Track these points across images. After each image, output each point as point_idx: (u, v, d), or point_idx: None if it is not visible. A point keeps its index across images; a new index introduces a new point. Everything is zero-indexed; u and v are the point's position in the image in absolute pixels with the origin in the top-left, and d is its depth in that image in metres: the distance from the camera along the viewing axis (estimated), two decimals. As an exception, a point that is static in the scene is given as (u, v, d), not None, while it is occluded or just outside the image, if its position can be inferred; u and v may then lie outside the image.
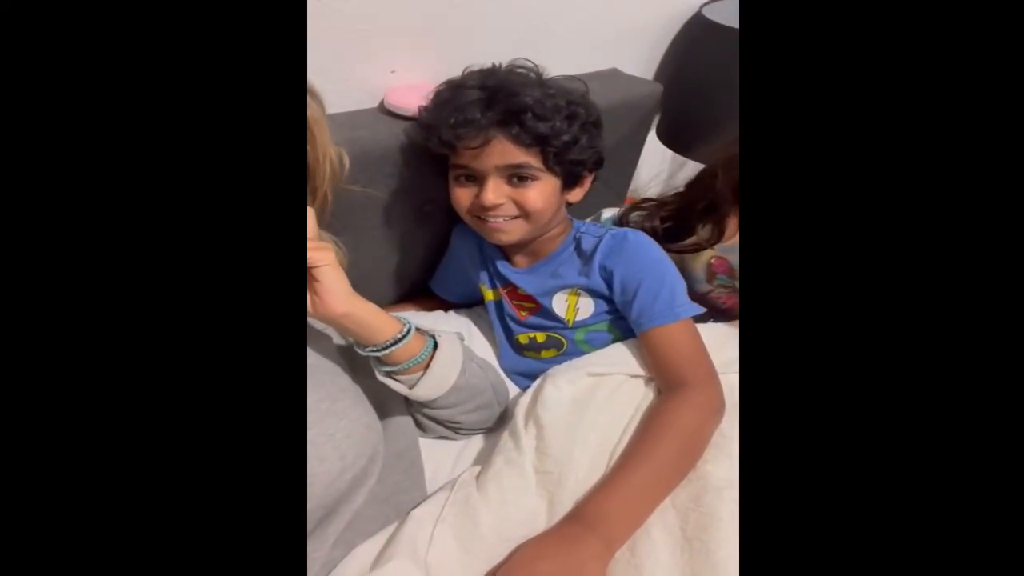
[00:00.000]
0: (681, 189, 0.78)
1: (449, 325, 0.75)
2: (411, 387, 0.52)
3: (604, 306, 0.65)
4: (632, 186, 1.10)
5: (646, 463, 0.47)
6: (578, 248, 0.67)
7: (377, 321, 0.49)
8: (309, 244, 0.43)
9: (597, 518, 0.44)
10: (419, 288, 0.84)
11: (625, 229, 0.66)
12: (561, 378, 0.57)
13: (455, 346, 0.54)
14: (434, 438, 0.60)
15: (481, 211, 0.61)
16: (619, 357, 0.60)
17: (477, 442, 0.61)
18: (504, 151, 0.57)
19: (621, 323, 0.64)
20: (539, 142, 0.58)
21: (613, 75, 0.93)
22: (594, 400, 0.54)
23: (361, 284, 0.74)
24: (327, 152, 0.50)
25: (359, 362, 0.54)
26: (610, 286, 0.63)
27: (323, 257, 0.44)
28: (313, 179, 0.51)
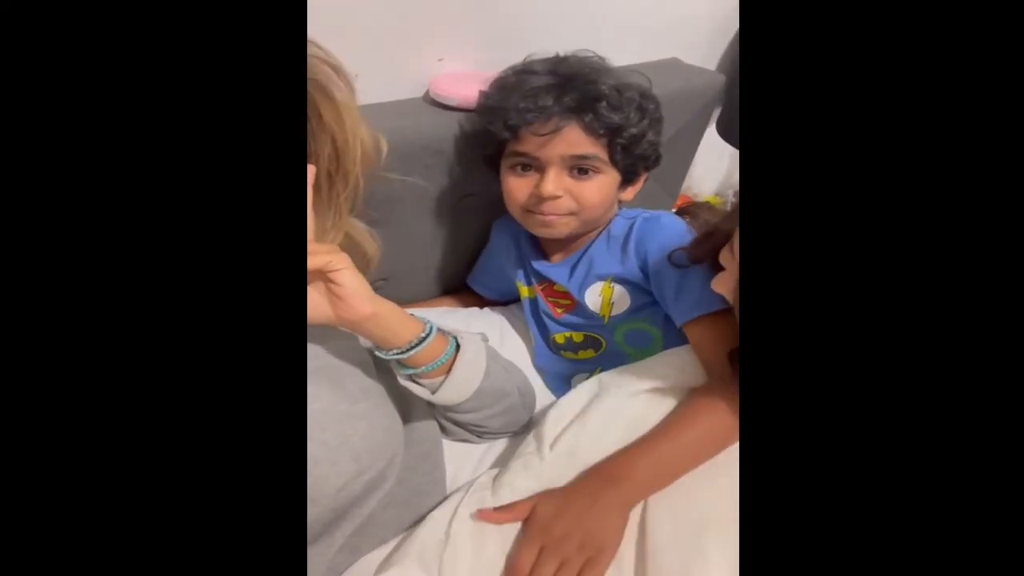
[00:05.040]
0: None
1: (483, 322, 0.74)
2: (433, 392, 0.49)
3: (641, 299, 0.61)
4: (686, 183, 1.05)
5: (678, 436, 0.46)
6: (609, 234, 0.63)
7: (399, 322, 0.46)
8: (322, 248, 0.41)
9: (620, 475, 0.44)
10: (459, 283, 0.82)
11: (660, 212, 0.63)
12: (608, 403, 0.51)
13: (478, 348, 0.52)
14: (457, 440, 0.58)
15: (537, 204, 0.58)
16: (676, 368, 0.54)
17: (500, 445, 0.58)
18: (573, 140, 0.56)
19: (661, 319, 0.60)
20: (610, 133, 0.56)
21: (672, 65, 0.88)
22: (644, 423, 0.50)
23: (398, 277, 0.74)
24: (357, 134, 0.48)
25: (383, 361, 0.53)
26: (646, 273, 0.59)
27: (340, 260, 0.41)
28: (344, 162, 0.49)
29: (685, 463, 0.45)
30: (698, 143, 0.94)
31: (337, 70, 0.45)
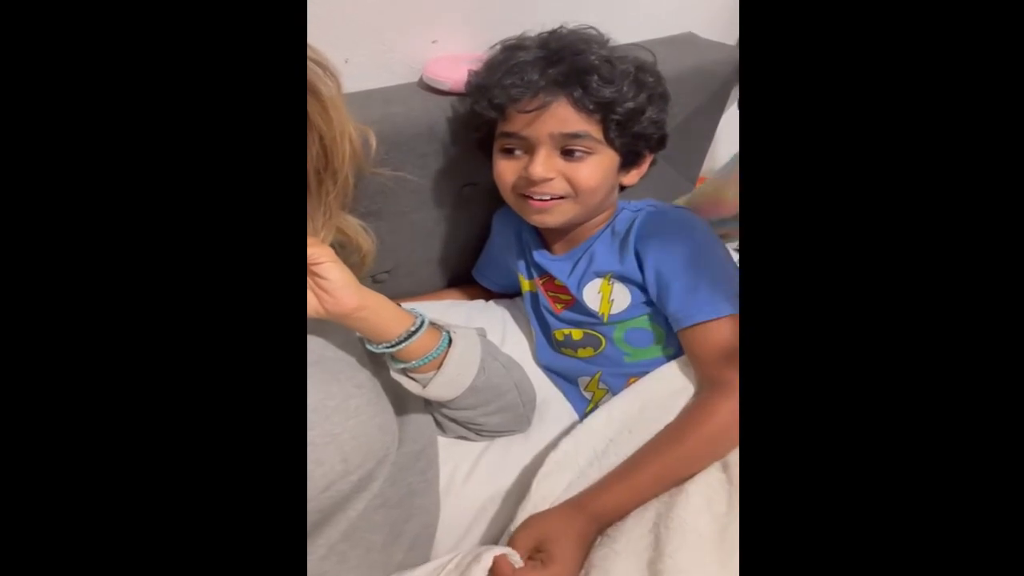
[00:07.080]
0: None
1: (485, 316, 0.71)
2: (424, 386, 0.48)
3: (641, 296, 0.57)
4: (707, 166, 0.99)
5: (642, 469, 0.48)
6: (612, 229, 0.60)
7: (389, 315, 0.46)
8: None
9: (590, 508, 0.47)
10: (464, 275, 0.80)
11: (668, 205, 0.59)
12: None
13: (472, 344, 0.50)
14: (454, 437, 0.56)
15: (527, 186, 0.55)
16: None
17: (498, 444, 0.56)
18: (562, 117, 0.52)
19: (663, 318, 0.57)
20: (602, 109, 0.52)
21: (688, 39, 0.83)
22: None
23: (400, 271, 0.72)
24: (345, 131, 0.47)
25: (378, 355, 0.52)
26: (644, 272, 0.56)
27: (323, 253, 0.41)
28: (332, 160, 0.48)
29: (649, 492, 0.47)
30: (717, 123, 0.89)
31: (323, 66, 0.44)
